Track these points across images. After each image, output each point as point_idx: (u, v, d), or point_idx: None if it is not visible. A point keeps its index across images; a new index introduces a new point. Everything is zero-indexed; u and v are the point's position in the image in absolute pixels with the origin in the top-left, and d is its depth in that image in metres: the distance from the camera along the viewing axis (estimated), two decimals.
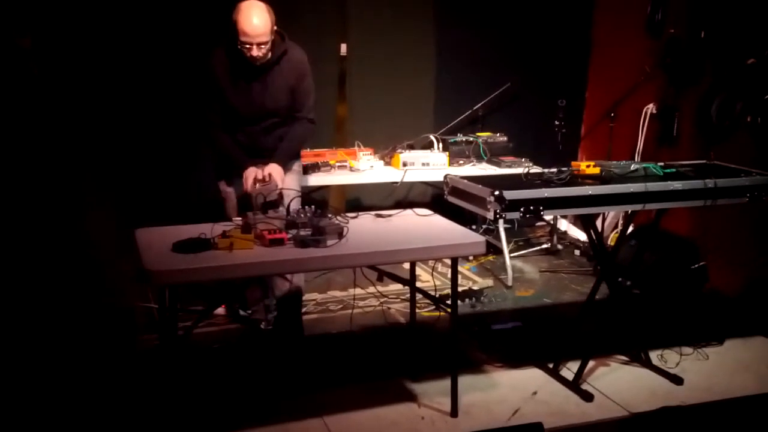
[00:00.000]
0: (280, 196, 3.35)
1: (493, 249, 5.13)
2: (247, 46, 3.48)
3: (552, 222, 5.78)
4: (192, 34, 4.88)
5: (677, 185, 3.43)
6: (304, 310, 4.14)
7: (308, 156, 4.75)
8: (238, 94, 3.64)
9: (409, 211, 3.49)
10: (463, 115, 5.65)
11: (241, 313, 4.15)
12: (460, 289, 3.92)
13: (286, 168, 3.72)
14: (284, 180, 3.63)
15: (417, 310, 3.71)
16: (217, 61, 3.62)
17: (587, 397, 3.45)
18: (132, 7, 4.81)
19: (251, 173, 3.58)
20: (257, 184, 3.52)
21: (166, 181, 5.00)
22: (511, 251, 5.29)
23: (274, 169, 3.61)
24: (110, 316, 3.91)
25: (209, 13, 5.03)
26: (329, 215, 3.08)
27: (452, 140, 5.23)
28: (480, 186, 3.29)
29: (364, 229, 3.19)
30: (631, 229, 4.17)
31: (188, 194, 5.01)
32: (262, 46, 3.50)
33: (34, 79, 4.40)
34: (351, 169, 4.83)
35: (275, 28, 3.56)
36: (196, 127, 3.87)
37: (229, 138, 3.71)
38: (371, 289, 4.29)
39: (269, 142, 3.74)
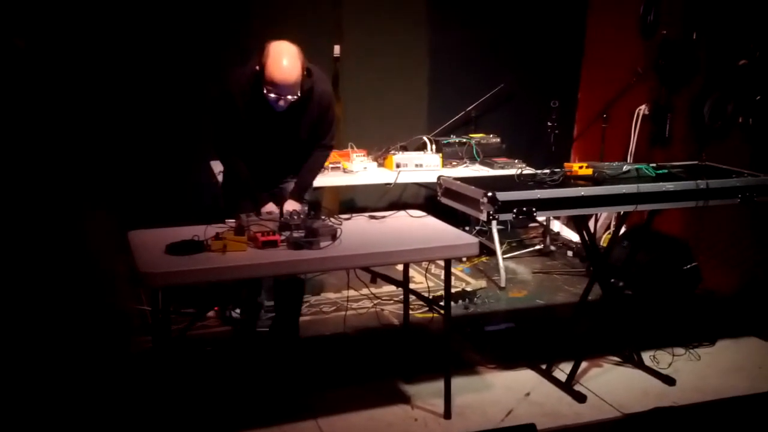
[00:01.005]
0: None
1: (486, 250, 5.14)
2: (273, 96, 3.25)
3: (545, 223, 5.79)
4: (191, 34, 4.89)
5: (669, 186, 3.45)
6: None
7: None
8: (258, 128, 3.43)
9: (402, 213, 3.49)
10: (456, 117, 5.66)
11: (233, 315, 4.14)
12: (453, 290, 3.93)
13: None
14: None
15: (410, 312, 3.71)
16: (237, 90, 3.36)
17: (580, 398, 3.45)
18: (128, 7, 4.81)
19: (269, 209, 3.37)
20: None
21: (159, 182, 5.00)
22: (504, 252, 5.30)
23: (290, 205, 3.42)
24: (105, 318, 3.90)
25: (208, 13, 5.04)
26: (322, 217, 3.08)
27: (445, 141, 5.24)
28: (473, 187, 3.30)
29: (358, 230, 3.20)
30: (623, 230, 4.19)
31: (182, 196, 5.01)
32: (291, 97, 3.27)
33: (30, 79, 4.39)
34: (344, 171, 4.82)
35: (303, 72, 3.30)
36: (214, 151, 3.69)
37: (247, 172, 3.50)
38: (365, 291, 4.29)
39: (286, 169, 3.65)
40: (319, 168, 3.72)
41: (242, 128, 3.43)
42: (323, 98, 3.49)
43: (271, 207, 3.40)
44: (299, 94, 3.30)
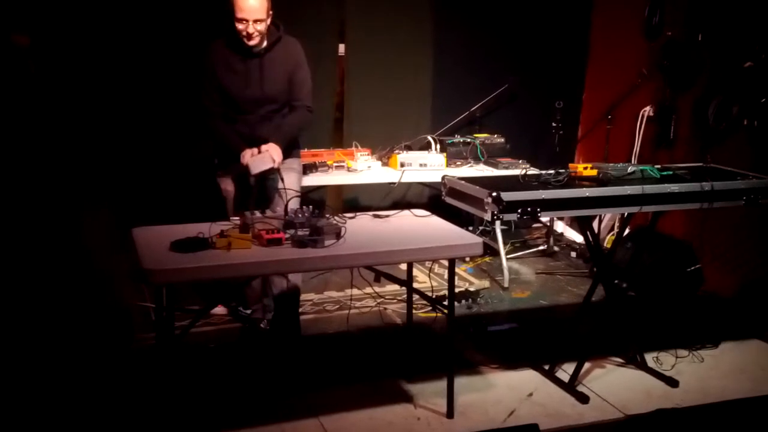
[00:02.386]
0: (277, 190, 3.36)
1: (490, 250, 5.14)
2: (243, 22, 3.55)
3: (548, 224, 5.78)
4: (190, 33, 4.87)
5: (674, 188, 3.44)
6: (301, 310, 4.14)
7: (306, 156, 4.74)
8: (236, 82, 3.69)
9: (406, 212, 3.49)
10: (461, 116, 5.66)
11: (242, 312, 4.15)
12: (456, 290, 3.93)
13: (287, 166, 3.74)
14: (280, 159, 3.66)
15: (414, 311, 3.71)
16: (215, 51, 3.70)
17: (583, 398, 3.45)
18: (129, 6, 4.81)
19: (248, 151, 3.65)
20: (253, 157, 3.60)
21: (163, 179, 5.00)
22: (507, 253, 5.30)
23: (270, 146, 3.65)
24: (107, 315, 3.90)
25: (207, 13, 5.02)
26: (327, 215, 3.09)
27: (450, 141, 5.24)
28: (477, 187, 3.30)
29: (362, 229, 3.20)
30: (627, 231, 4.18)
31: (186, 193, 5.01)
32: (258, 24, 3.56)
33: (32, 77, 4.40)
34: (348, 170, 4.83)
35: (271, 12, 3.62)
36: (194, 118, 3.88)
37: (228, 126, 3.75)
38: (368, 290, 4.29)
39: (267, 132, 3.75)
40: (297, 125, 3.86)
41: (222, 87, 3.69)
42: (295, 54, 3.77)
43: (250, 152, 3.62)
44: (266, 35, 3.62)
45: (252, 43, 3.62)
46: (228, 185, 3.83)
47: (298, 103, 3.81)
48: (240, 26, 3.57)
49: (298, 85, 3.79)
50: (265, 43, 3.68)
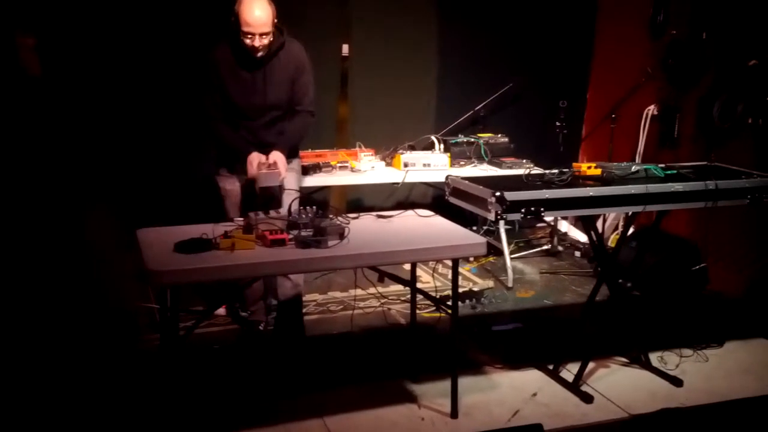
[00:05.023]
0: (281, 188, 3.36)
1: (494, 250, 5.13)
2: (249, 36, 3.53)
3: (552, 223, 5.78)
4: (194, 34, 4.88)
5: (678, 187, 3.44)
6: (304, 310, 4.14)
7: (309, 156, 4.75)
8: (239, 88, 3.68)
9: (410, 212, 3.49)
10: (465, 116, 5.66)
11: (241, 313, 4.15)
12: (460, 290, 3.92)
13: (288, 162, 3.75)
14: (286, 168, 3.66)
15: (417, 311, 3.71)
16: (219, 56, 3.67)
17: (587, 398, 3.45)
18: (133, 7, 4.82)
19: (255, 158, 3.64)
20: (262, 168, 3.57)
21: (167, 181, 5.01)
22: (511, 252, 5.29)
23: (277, 157, 3.66)
24: (111, 317, 3.91)
25: (211, 13, 5.03)
26: (330, 216, 3.09)
27: (453, 141, 5.23)
28: (481, 187, 3.30)
29: (365, 229, 3.20)
30: (631, 230, 4.18)
31: (190, 194, 5.01)
32: (264, 37, 3.54)
33: (37, 78, 4.40)
34: (352, 170, 4.82)
35: (275, 21, 3.60)
36: (197, 122, 3.88)
37: (231, 129, 3.75)
38: (372, 290, 4.29)
39: (270, 137, 3.76)
40: (300, 131, 3.86)
41: (226, 92, 3.67)
42: (298, 58, 3.75)
43: (256, 155, 3.62)
44: (272, 38, 3.57)
45: (259, 55, 3.61)
46: (231, 185, 3.82)
47: (301, 107, 3.80)
48: (246, 40, 3.55)
49: (301, 90, 3.78)
50: (268, 50, 3.65)
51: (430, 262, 4.64)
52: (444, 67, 5.84)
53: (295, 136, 3.84)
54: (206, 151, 4.16)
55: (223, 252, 2.81)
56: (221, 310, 4.20)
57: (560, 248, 5.72)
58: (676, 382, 3.61)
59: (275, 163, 3.62)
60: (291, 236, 2.92)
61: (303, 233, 2.93)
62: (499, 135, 5.40)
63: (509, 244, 5.25)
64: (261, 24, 3.51)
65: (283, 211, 3.23)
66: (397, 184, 4.87)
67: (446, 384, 3.29)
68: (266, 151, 3.70)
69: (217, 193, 3.88)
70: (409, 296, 3.78)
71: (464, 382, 3.43)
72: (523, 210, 3.20)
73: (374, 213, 3.47)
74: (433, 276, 4.40)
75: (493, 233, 5.39)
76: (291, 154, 3.85)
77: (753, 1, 4.69)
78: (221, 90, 3.69)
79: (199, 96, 3.76)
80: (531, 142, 5.75)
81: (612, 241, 5.40)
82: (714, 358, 3.90)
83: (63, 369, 3.43)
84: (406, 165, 4.91)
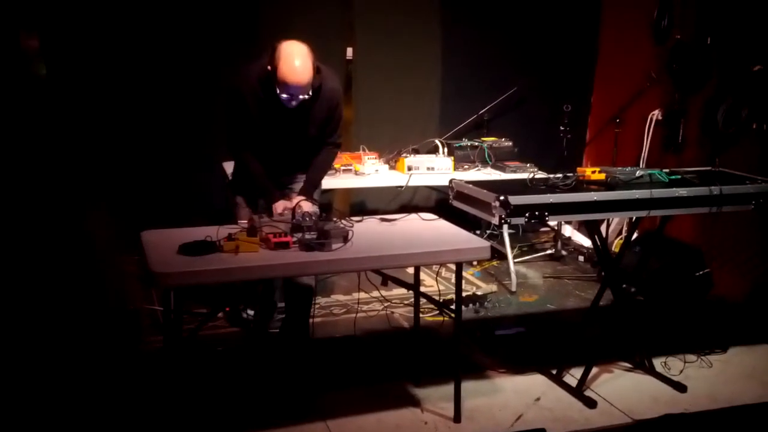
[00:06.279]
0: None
1: (498, 254, 5.13)
2: (286, 96, 3.29)
3: (556, 228, 5.77)
4: (199, 35, 4.90)
5: (682, 192, 3.43)
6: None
7: None
8: (269, 125, 3.47)
9: (413, 216, 3.50)
10: (469, 120, 5.67)
11: (243, 315, 4.15)
12: (463, 294, 3.92)
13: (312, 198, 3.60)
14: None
15: (421, 315, 3.71)
16: (247, 88, 3.40)
17: (590, 403, 3.44)
18: (138, 9, 4.83)
19: (280, 206, 3.46)
20: (286, 214, 3.38)
21: (172, 182, 5.02)
22: (515, 257, 5.29)
23: (304, 204, 3.42)
24: (115, 318, 3.91)
25: (219, 15, 5.05)
26: (334, 219, 3.09)
27: (457, 145, 5.23)
28: (485, 191, 3.30)
29: (369, 233, 3.20)
30: (635, 235, 4.17)
31: (195, 196, 5.03)
32: (302, 96, 3.32)
33: (41, 80, 4.42)
34: (356, 173, 4.83)
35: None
36: (225, 150, 3.75)
37: (261, 167, 3.53)
38: (375, 294, 4.29)
39: (294, 160, 3.66)
40: (328, 166, 3.76)
41: (253, 125, 3.47)
42: (332, 96, 3.53)
43: (281, 204, 3.46)
44: (310, 93, 3.34)
45: (293, 104, 3.36)
46: (242, 203, 3.70)
47: (331, 140, 3.64)
48: (283, 96, 3.29)
49: (332, 124, 3.59)
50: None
51: (434, 266, 4.63)
52: (448, 71, 5.84)
53: (321, 174, 3.68)
54: (212, 155, 4.18)
55: (227, 254, 2.81)
56: (221, 314, 4.19)
57: (564, 253, 5.71)
58: (680, 387, 3.60)
59: (299, 206, 3.38)
60: (295, 239, 2.93)
61: (307, 236, 2.93)
62: (503, 139, 5.41)
63: (513, 248, 5.25)
64: (302, 87, 3.27)
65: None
66: (401, 187, 4.87)
67: (449, 388, 3.28)
68: (290, 191, 3.57)
69: (230, 200, 3.82)
70: (412, 300, 3.78)
71: (467, 386, 3.43)
72: (527, 214, 3.20)
73: (378, 216, 3.47)
74: (436, 280, 4.39)
75: (497, 237, 5.39)
76: (317, 186, 3.71)
77: (758, 5, 4.69)
78: (249, 121, 3.44)
79: (226, 126, 3.52)
80: (535, 146, 5.75)
81: (616, 245, 5.39)
82: (718, 364, 3.89)
83: (66, 370, 3.43)
84: (409, 168, 4.91)
